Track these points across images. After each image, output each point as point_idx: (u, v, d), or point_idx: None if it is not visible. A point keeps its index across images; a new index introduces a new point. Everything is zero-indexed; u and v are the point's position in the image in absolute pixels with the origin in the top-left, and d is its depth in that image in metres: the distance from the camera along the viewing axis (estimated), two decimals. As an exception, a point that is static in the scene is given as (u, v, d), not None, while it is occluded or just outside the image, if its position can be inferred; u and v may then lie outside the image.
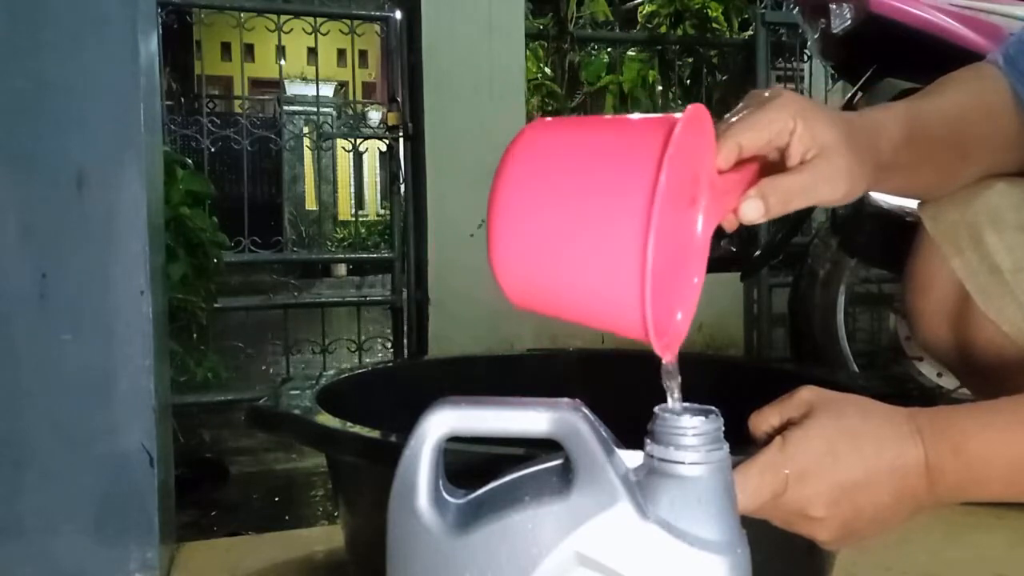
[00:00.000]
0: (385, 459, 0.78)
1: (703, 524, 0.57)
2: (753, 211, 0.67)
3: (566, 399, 0.61)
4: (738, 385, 1.04)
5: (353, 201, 10.07)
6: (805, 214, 2.42)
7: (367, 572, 1.03)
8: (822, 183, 0.68)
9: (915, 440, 0.64)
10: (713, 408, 0.61)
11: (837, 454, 0.64)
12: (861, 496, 0.64)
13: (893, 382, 2.18)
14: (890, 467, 0.64)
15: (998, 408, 0.67)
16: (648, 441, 0.59)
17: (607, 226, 0.52)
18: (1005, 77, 0.87)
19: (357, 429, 0.95)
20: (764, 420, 0.69)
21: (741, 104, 0.71)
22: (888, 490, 0.64)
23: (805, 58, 3.59)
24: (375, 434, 0.93)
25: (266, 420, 1.07)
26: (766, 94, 0.70)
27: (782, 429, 0.67)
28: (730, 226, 0.70)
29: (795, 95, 0.70)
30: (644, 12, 3.84)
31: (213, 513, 1.90)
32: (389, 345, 3.11)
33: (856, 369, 2.20)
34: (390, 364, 2.17)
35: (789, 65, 3.82)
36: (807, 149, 0.68)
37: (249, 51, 5.54)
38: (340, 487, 1.12)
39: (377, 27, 3.13)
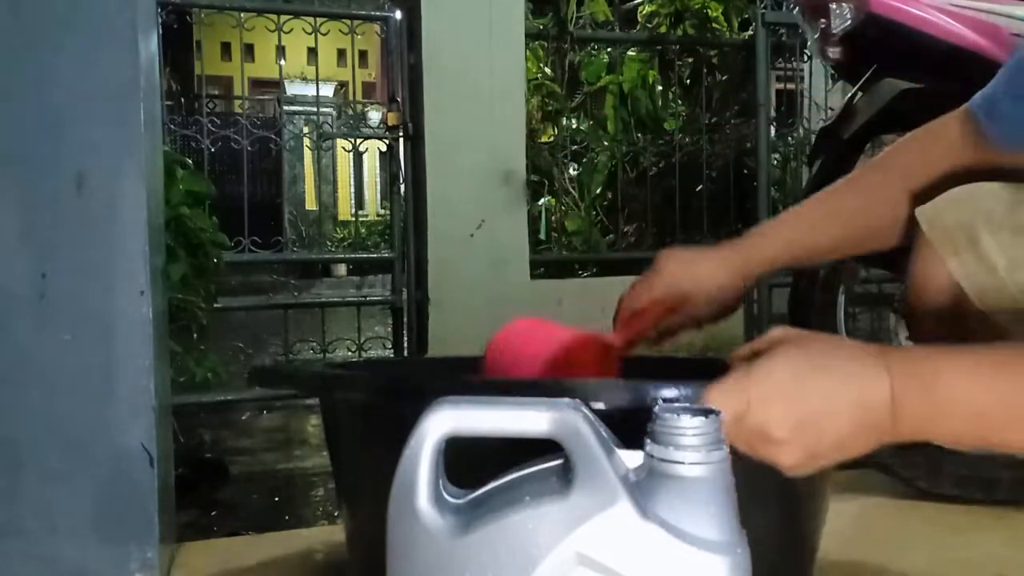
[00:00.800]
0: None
1: (703, 524, 0.57)
2: None
3: (566, 399, 0.61)
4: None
5: (353, 201, 10.06)
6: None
7: (360, 520, 1.04)
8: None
9: (882, 374, 0.65)
10: (713, 408, 0.61)
11: (802, 379, 0.65)
12: (823, 422, 0.65)
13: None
14: (854, 397, 0.65)
15: (967, 353, 0.67)
16: (648, 441, 0.59)
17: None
18: (968, 122, 0.96)
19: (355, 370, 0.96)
20: (738, 356, 0.72)
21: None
22: (851, 419, 0.65)
23: (805, 58, 3.59)
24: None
25: (268, 375, 1.11)
26: None
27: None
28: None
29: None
30: (644, 12, 3.83)
31: (213, 513, 1.90)
32: (389, 345, 3.11)
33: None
34: (391, 359, 2.17)
35: (789, 65, 3.82)
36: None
37: (249, 51, 5.55)
38: (334, 430, 1.13)
39: (377, 27, 3.13)
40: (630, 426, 0.61)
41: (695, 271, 1.06)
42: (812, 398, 0.64)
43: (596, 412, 0.61)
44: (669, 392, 0.73)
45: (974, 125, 0.95)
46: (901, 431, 0.65)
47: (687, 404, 0.61)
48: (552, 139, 3.74)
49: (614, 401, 0.78)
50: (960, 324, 0.94)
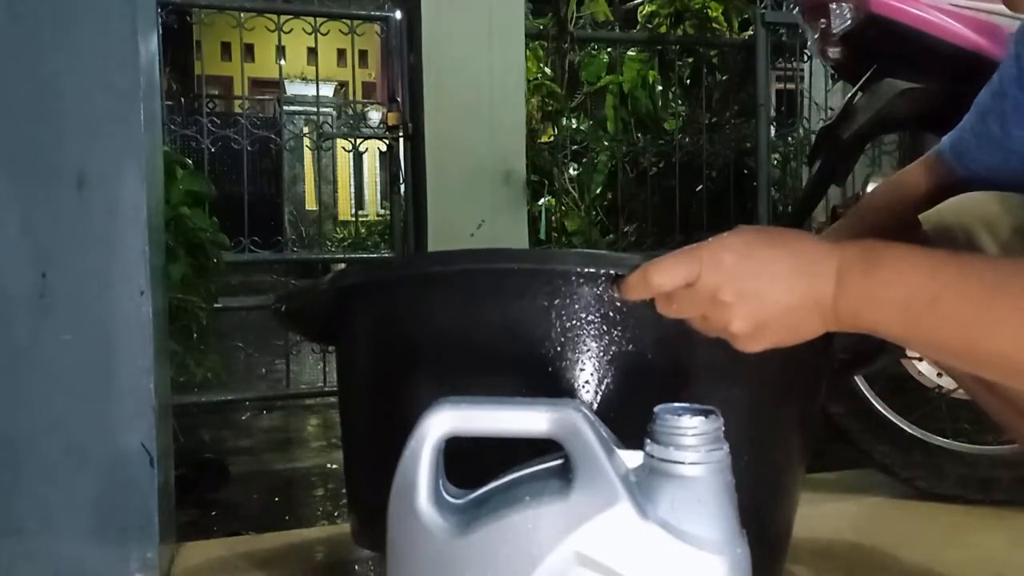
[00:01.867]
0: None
1: (703, 524, 0.57)
2: None
3: (566, 399, 0.61)
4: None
5: (353, 201, 10.06)
6: (806, 214, 2.42)
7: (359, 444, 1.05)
8: None
9: (830, 253, 0.67)
10: (713, 408, 0.61)
11: (753, 248, 0.68)
12: (770, 289, 0.66)
13: (893, 382, 2.18)
14: (801, 269, 0.67)
15: (917, 249, 0.68)
16: (648, 441, 0.59)
17: None
18: (939, 161, 1.05)
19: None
20: None
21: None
22: (796, 289, 0.66)
23: (805, 58, 3.59)
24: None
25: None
26: None
27: None
28: None
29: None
30: (644, 12, 3.83)
31: (213, 513, 1.90)
32: (389, 345, 3.10)
33: (856, 369, 2.20)
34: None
35: (789, 65, 3.82)
36: None
37: (249, 51, 5.55)
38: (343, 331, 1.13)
39: (377, 27, 3.13)
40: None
41: None
42: (760, 267, 0.67)
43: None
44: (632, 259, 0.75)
45: (946, 167, 1.03)
46: (841, 312, 0.67)
47: (687, 404, 0.61)
48: (552, 139, 3.74)
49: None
50: None
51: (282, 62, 3.74)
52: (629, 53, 3.83)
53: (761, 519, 0.98)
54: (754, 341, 0.68)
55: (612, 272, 0.78)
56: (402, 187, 3.04)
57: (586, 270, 0.81)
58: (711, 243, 0.68)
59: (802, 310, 0.67)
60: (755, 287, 0.66)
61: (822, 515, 1.04)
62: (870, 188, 1.34)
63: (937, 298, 0.64)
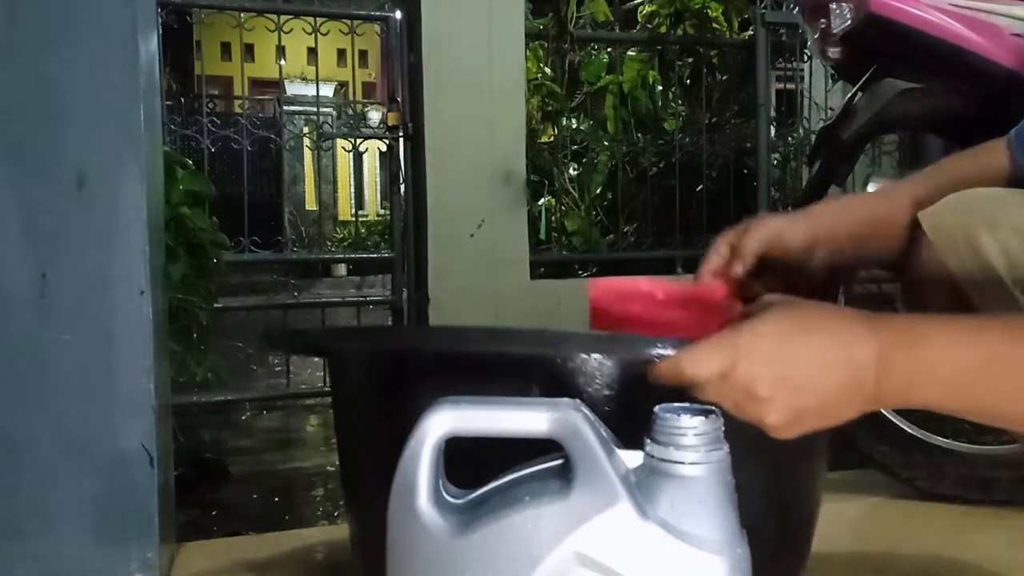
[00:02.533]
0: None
1: (703, 524, 0.57)
2: None
3: (566, 399, 0.61)
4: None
5: (353, 201, 10.07)
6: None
7: (362, 486, 1.04)
8: None
9: (869, 335, 0.65)
10: (713, 408, 0.61)
11: (789, 337, 0.65)
12: (808, 380, 0.65)
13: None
14: (840, 356, 0.65)
15: (954, 322, 0.67)
16: (648, 441, 0.59)
17: None
18: (1007, 150, 0.99)
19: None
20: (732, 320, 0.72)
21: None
22: (835, 378, 0.65)
23: (805, 58, 3.59)
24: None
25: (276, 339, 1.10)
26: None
27: None
28: None
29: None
30: (644, 12, 3.83)
31: (213, 513, 1.90)
32: (389, 345, 3.10)
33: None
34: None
35: (789, 65, 3.82)
36: None
37: (249, 51, 5.54)
38: (339, 390, 1.12)
39: (377, 27, 3.13)
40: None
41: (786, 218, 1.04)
42: (798, 355, 0.65)
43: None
44: (662, 350, 0.72)
45: (1010, 155, 1.00)
46: (885, 394, 0.65)
47: (687, 404, 0.61)
48: (552, 139, 3.74)
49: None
50: None
51: (282, 62, 3.74)
52: (629, 53, 3.83)
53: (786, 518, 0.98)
54: (790, 430, 0.67)
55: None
56: (402, 187, 3.04)
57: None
58: (746, 331, 0.66)
59: (843, 398, 0.65)
60: (793, 380, 0.64)
61: (822, 515, 1.04)
62: (871, 188, 1.33)
63: (985, 368, 0.63)
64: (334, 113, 4.86)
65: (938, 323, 0.67)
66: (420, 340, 0.94)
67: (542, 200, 3.60)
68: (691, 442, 0.58)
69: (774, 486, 0.93)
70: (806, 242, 0.98)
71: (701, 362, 0.64)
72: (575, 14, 3.58)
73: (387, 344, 0.95)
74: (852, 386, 0.65)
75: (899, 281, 1.04)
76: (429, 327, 1.97)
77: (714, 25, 3.76)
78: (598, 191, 3.80)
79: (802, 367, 0.65)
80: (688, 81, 3.92)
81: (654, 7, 3.77)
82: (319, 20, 3.02)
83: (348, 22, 3.09)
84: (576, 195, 3.73)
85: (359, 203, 10.31)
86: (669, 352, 0.68)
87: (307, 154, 8.81)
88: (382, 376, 0.91)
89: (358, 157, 3.46)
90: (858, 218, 1.02)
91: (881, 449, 1.62)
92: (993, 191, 0.93)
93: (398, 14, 3.01)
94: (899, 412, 1.65)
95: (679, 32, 3.71)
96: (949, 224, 0.94)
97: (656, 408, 0.60)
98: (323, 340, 1.14)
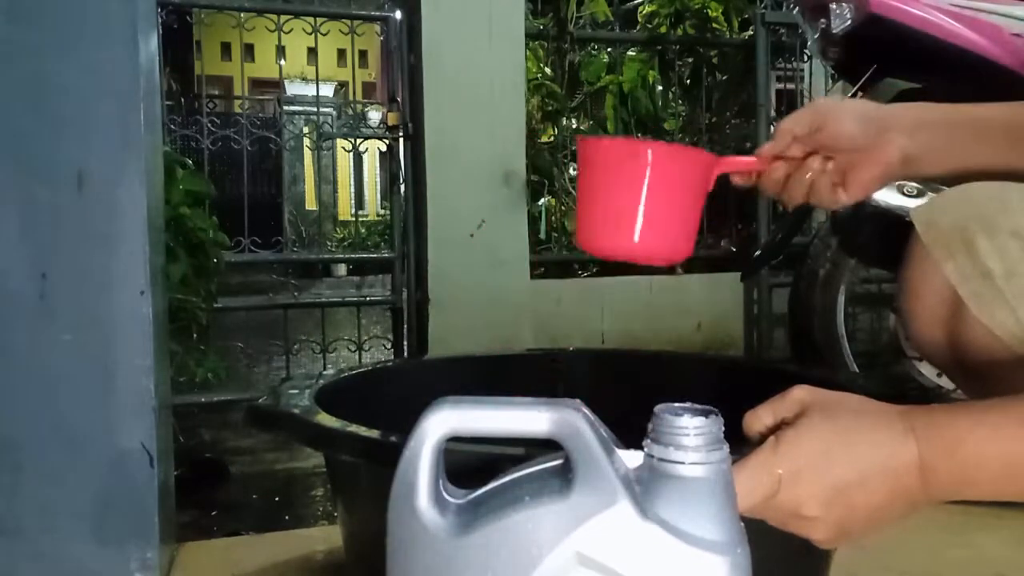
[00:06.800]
0: (384, 459, 0.79)
1: (703, 524, 0.57)
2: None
3: (566, 399, 0.61)
4: (738, 385, 1.04)
5: (353, 201, 10.08)
6: (805, 214, 2.42)
7: (366, 572, 1.03)
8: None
9: (909, 440, 0.64)
10: (713, 408, 0.61)
11: (830, 454, 0.64)
12: (855, 495, 0.64)
13: (893, 382, 2.18)
14: (883, 467, 0.64)
15: (991, 407, 0.66)
16: (648, 441, 0.59)
17: None
18: None
19: (355, 429, 0.95)
20: (758, 420, 0.69)
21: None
22: (882, 489, 0.64)
23: (805, 58, 3.59)
24: (374, 434, 0.93)
25: (265, 419, 1.07)
26: None
27: (775, 429, 0.67)
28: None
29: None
30: (644, 12, 3.83)
31: (213, 513, 1.90)
32: (389, 345, 3.11)
33: (856, 369, 2.20)
34: (389, 363, 2.18)
35: (789, 65, 3.82)
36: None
37: (249, 51, 5.54)
38: (338, 487, 1.12)
39: (377, 27, 3.12)
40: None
41: (840, 104, 0.94)
42: (842, 472, 0.64)
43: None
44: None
45: None
46: (932, 494, 0.65)
47: (687, 404, 0.61)
48: (552, 139, 3.74)
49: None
50: (954, 328, 0.94)
51: (282, 62, 3.74)
52: (629, 53, 3.83)
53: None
54: (837, 542, 0.67)
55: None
56: (402, 187, 3.04)
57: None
58: (785, 452, 0.64)
59: (890, 508, 0.65)
60: (840, 499, 0.64)
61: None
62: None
63: None
64: (334, 113, 4.86)
65: (976, 416, 0.65)
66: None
67: (542, 200, 3.60)
68: (691, 442, 0.58)
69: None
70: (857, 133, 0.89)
71: (744, 494, 0.62)
72: (575, 14, 3.58)
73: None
74: (899, 496, 0.65)
75: (898, 281, 1.04)
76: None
77: (714, 25, 3.76)
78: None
79: (847, 484, 0.64)
80: (688, 81, 3.92)
81: (654, 7, 3.77)
82: (319, 20, 3.02)
83: (348, 22, 3.09)
84: (576, 195, 3.72)
85: (359, 203, 10.33)
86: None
87: (307, 154, 8.82)
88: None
89: (358, 157, 3.46)
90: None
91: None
92: (992, 187, 0.91)
93: (398, 14, 3.01)
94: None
95: (679, 32, 3.71)
96: (945, 226, 0.92)
97: (656, 408, 0.60)
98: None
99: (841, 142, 0.88)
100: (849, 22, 1.72)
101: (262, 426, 1.08)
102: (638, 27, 3.84)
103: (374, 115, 4.11)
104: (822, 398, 0.68)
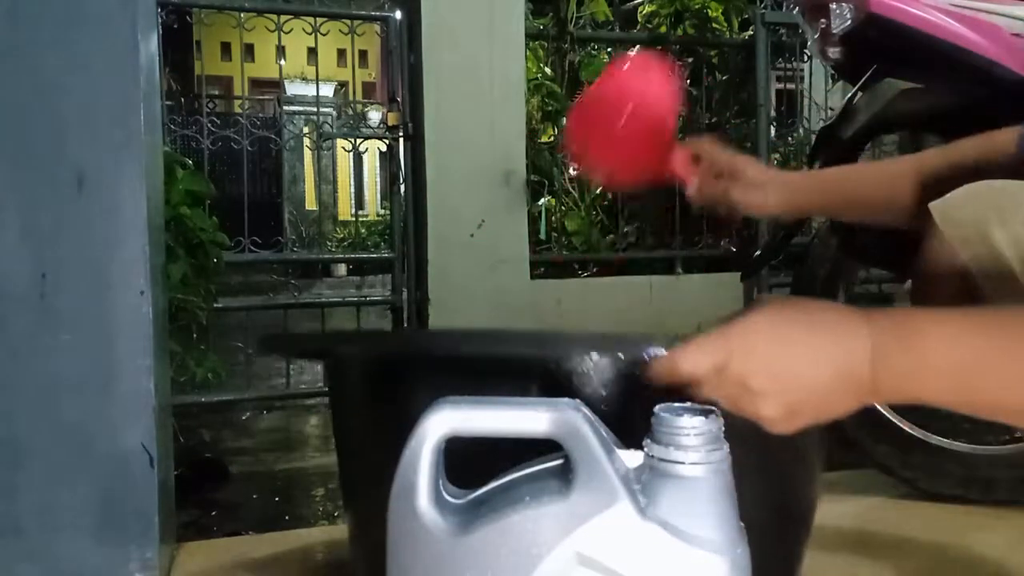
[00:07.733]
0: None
1: (703, 524, 0.57)
2: None
3: (566, 399, 0.61)
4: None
5: (353, 201, 10.08)
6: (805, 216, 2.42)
7: (360, 486, 1.04)
8: None
9: (863, 328, 0.65)
10: (713, 408, 0.61)
11: (782, 330, 0.65)
12: (803, 372, 0.64)
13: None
14: (834, 347, 0.64)
15: (954, 312, 0.67)
16: (648, 441, 0.59)
17: None
18: (1017, 138, 1.02)
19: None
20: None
21: None
22: (829, 370, 0.64)
23: (805, 58, 3.59)
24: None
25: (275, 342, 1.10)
26: None
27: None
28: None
29: None
30: (644, 12, 3.83)
31: (213, 513, 1.90)
32: (389, 345, 3.10)
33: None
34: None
35: (789, 65, 3.82)
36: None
37: (249, 51, 5.54)
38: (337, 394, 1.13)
39: (377, 27, 3.13)
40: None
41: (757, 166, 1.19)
42: (792, 349, 0.65)
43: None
44: (654, 350, 0.72)
45: (1018, 141, 1.01)
46: (881, 388, 0.65)
47: (687, 404, 0.61)
48: (552, 139, 3.74)
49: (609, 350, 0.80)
50: None
51: (282, 62, 3.74)
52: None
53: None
54: (786, 425, 0.66)
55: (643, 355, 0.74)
56: (402, 187, 3.04)
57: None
58: (739, 327, 0.66)
59: (837, 392, 0.65)
60: (788, 373, 0.64)
61: (822, 515, 1.04)
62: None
63: (983, 361, 0.63)
64: (334, 113, 4.87)
65: (936, 316, 0.66)
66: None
67: (542, 200, 3.60)
68: (691, 442, 0.58)
69: (767, 482, 0.93)
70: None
71: (695, 359, 0.64)
72: (575, 14, 3.59)
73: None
74: (847, 379, 0.64)
75: (908, 276, 1.05)
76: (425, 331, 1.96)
77: (714, 25, 3.76)
78: (598, 191, 3.81)
79: (796, 360, 0.64)
80: (688, 81, 3.92)
81: (654, 7, 3.77)
82: (319, 20, 3.02)
83: (348, 22, 3.09)
84: (576, 195, 3.73)
85: (359, 203, 10.33)
86: (663, 351, 0.68)
87: (307, 154, 8.83)
88: (378, 381, 0.91)
89: (358, 157, 3.46)
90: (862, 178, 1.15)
91: (881, 449, 1.62)
92: (1004, 183, 0.93)
93: (398, 14, 3.01)
94: (899, 412, 1.65)
95: (679, 32, 3.71)
96: (960, 216, 0.94)
97: (656, 408, 0.60)
98: (321, 344, 1.14)
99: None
100: (849, 22, 1.72)
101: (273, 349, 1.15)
102: (638, 27, 3.84)
103: (374, 115, 4.12)
104: (781, 297, 0.70)
